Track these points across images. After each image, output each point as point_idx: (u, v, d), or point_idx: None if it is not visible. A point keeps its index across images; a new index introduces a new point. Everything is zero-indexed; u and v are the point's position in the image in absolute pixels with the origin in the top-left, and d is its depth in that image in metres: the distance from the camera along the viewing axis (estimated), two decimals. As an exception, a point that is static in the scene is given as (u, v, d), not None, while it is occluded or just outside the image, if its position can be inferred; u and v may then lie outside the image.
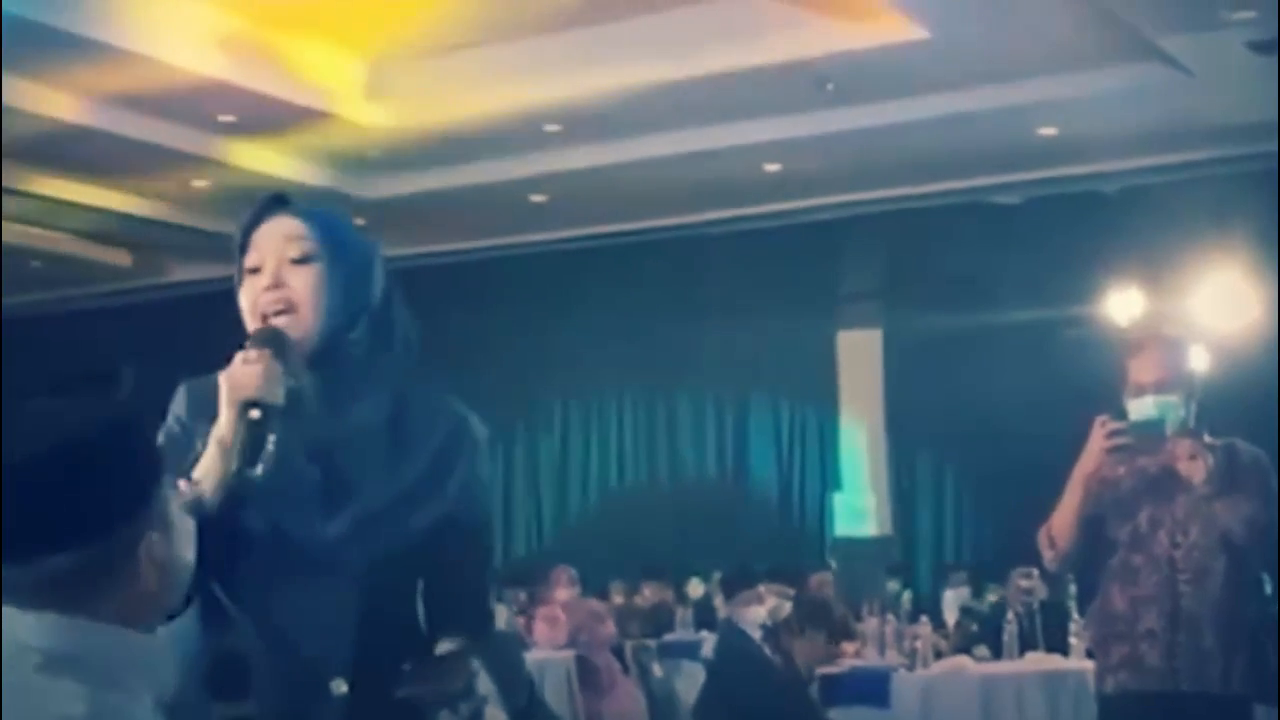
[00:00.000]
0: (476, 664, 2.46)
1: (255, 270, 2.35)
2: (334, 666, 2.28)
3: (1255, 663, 4.17)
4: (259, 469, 2.19)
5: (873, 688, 7.35)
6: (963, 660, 7.72)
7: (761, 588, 7.34)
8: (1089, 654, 7.06)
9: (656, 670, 8.64)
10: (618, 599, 10.52)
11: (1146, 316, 10.45)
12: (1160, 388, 4.16)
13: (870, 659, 7.79)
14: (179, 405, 2.43)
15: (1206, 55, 9.52)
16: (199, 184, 11.87)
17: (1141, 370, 4.23)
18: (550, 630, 9.16)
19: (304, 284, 2.32)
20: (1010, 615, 7.96)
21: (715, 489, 12.47)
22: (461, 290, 13.98)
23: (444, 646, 2.42)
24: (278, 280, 2.32)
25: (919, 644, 7.56)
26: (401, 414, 2.39)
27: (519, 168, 11.75)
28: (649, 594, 11.22)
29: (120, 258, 13.98)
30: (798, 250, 12.72)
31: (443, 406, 2.47)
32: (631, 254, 13.32)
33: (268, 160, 11.45)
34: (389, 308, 2.43)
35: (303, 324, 2.32)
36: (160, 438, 2.36)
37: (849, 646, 7.76)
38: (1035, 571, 8.23)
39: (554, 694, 8.38)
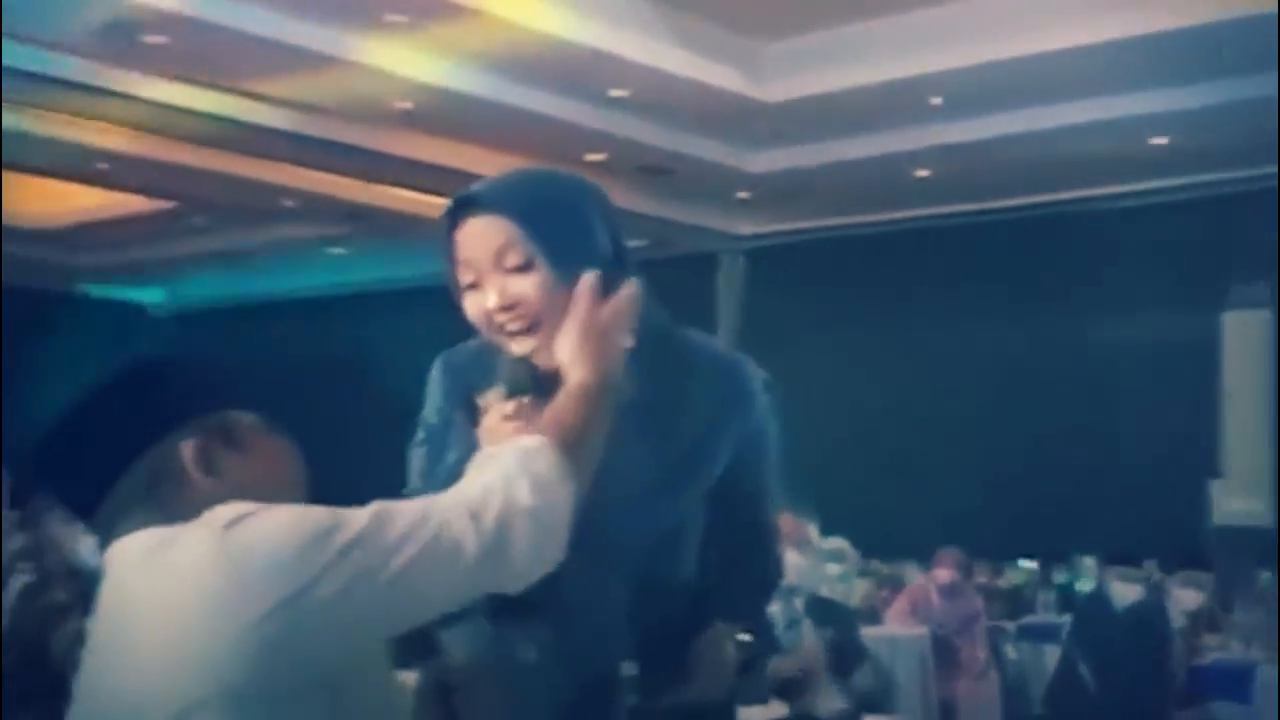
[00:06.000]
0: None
1: (474, 286, 2.12)
2: (620, 649, 2.16)
3: None
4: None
5: (1234, 681, 7.09)
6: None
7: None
8: None
9: (1011, 653, 8.53)
10: (980, 578, 10.40)
11: None
12: None
13: (1234, 652, 7.50)
14: (436, 391, 2.30)
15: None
16: (592, 157, 12.24)
17: None
18: (915, 609, 9.11)
19: (534, 295, 2.08)
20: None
21: (1088, 471, 12.12)
22: (841, 265, 13.99)
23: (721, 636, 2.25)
24: (506, 300, 2.09)
25: (1284, 639, 7.24)
26: (659, 379, 2.14)
27: (902, 142, 11.70)
28: (1011, 575, 11.05)
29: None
30: (1185, 228, 12.19)
31: (706, 359, 2.23)
32: (1016, 230, 13.05)
33: (657, 135, 11.75)
34: (619, 251, 2.16)
35: (548, 335, 2.08)
36: (420, 434, 2.30)
37: (1211, 639, 7.50)
38: None
39: (906, 673, 8.38)
